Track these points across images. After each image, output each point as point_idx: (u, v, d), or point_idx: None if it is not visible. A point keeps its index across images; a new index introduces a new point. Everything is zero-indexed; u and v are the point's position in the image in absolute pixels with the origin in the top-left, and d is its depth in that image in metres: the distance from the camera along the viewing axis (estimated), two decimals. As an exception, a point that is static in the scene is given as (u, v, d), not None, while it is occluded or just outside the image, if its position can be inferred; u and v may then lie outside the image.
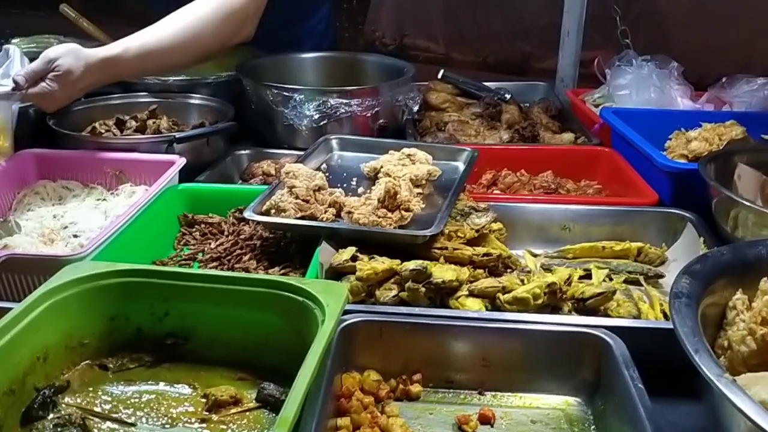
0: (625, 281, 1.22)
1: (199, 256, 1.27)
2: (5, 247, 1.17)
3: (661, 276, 1.24)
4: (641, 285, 1.22)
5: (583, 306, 1.08)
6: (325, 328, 0.85)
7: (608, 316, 1.07)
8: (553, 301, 1.07)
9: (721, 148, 1.48)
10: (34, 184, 1.42)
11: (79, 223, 1.28)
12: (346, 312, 0.96)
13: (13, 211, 1.35)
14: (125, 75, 1.57)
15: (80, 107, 1.64)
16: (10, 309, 0.88)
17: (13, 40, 2.07)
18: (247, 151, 1.68)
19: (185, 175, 1.44)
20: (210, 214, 1.37)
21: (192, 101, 1.74)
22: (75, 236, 1.25)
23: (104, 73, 1.45)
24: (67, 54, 1.37)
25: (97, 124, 1.60)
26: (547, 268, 1.25)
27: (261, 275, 1.07)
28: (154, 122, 1.62)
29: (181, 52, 1.55)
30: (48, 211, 1.33)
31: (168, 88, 1.75)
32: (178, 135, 1.50)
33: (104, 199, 1.39)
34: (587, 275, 1.22)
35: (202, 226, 1.34)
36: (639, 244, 1.29)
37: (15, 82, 1.34)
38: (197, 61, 1.64)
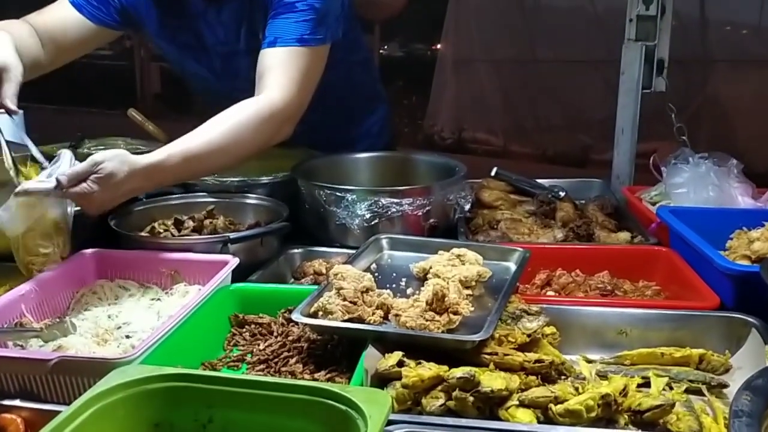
0: (687, 390, 1.16)
1: (248, 358, 1.27)
2: (59, 348, 1.19)
3: (726, 385, 1.18)
4: (704, 395, 1.16)
5: (640, 419, 1.03)
6: (367, 441, 0.82)
7: (668, 430, 1.02)
8: (607, 413, 1.02)
9: (785, 248, 1.43)
10: (92, 284, 1.46)
11: (132, 324, 1.31)
12: (390, 422, 0.94)
13: (71, 311, 1.39)
14: (169, 180, 1.58)
15: (140, 207, 1.71)
16: (59, 412, 0.89)
17: (85, 143, 2.20)
18: (299, 250, 1.70)
19: (239, 273, 1.46)
20: (260, 314, 1.37)
21: (248, 201, 1.79)
22: (128, 336, 1.27)
23: (148, 179, 1.47)
24: (112, 158, 1.40)
25: (156, 224, 1.65)
26: (602, 376, 1.20)
27: (304, 382, 1.06)
28: (210, 222, 1.66)
29: (223, 155, 1.57)
30: (103, 311, 1.36)
31: (225, 189, 1.80)
32: (232, 236, 1.53)
33: (158, 299, 1.42)
34: (646, 383, 1.17)
35: (252, 326, 1.35)
36: (701, 350, 1.23)
37: (57, 180, 1.36)
38: (238, 163, 1.67)
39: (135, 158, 1.44)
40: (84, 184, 1.38)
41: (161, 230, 1.63)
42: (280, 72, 1.66)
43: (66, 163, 1.39)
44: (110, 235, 1.58)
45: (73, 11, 1.84)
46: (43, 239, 1.39)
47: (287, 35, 1.68)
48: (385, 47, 5.40)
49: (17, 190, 1.36)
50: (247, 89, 1.69)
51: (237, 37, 1.85)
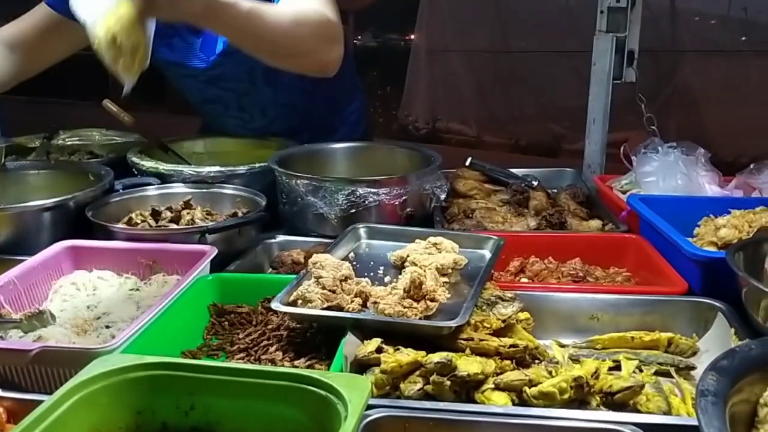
0: (656, 373, 1.20)
1: (227, 347, 1.28)
2: (39, 339, 1.20)
3: (693, 367, 1.22)
4: (672, 377, 1.20)
5: (611, 400, 1.06)
6: (347, 425, 0.84)
7: (637, 411, 1.05)
8: (580, 395, 1.05)
9: (750, 235, 1.47)
10: (70, 275, 1.46)
11: (112, 314, 1.31)
12: (369, 407, 0.96)
13: (50, 302, 1.39)
14: (226, 22, 1.49)
15: (117, 199, 1.71)
16: (41, 401, 0.90)
17: (60, 134, 2.18)
18: (277, 240, 1.72)
19: (217, 263, 1.47)
20: (239, 304, 1.39)
21: (226, 191, 1.79)
22: (107, 327, 1.28)
23: (209, 7, 1.41)
24: None
25: (133, 215, 1.66)
26: (575, 359, 1.24)
27: (285, 369, 1.08)
28: (188, 213, 1.66)
29: (282, 32, 1.55)
30: (82, 301, 1.37)
31: (203, 179, 1.80)
32: (210, 226, 1.54)
33: (137, 289, 1.43)
34: (617, 366, 1.21)
35: (231, 315, 1.36)
36: (669, 334, 1.27)
37: None
38: (284, 57, 1.64)
39: None
40: None
41: (138, 221, 1.63)
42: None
43: None
44: (87, 226, 1.58)
45: (49, 11, 1.84)
46: (125, 37, 1.29)
47: None
48: (359, 37, 5.39)
49: None
50: (223, 71, 1.67)
51: None
